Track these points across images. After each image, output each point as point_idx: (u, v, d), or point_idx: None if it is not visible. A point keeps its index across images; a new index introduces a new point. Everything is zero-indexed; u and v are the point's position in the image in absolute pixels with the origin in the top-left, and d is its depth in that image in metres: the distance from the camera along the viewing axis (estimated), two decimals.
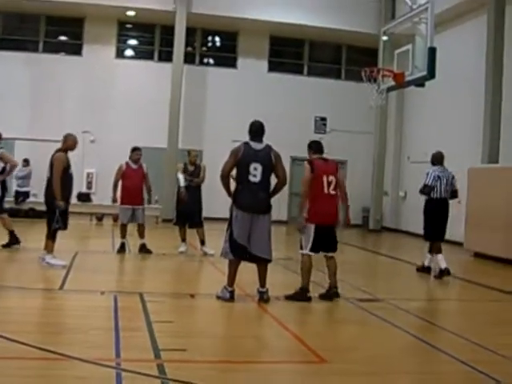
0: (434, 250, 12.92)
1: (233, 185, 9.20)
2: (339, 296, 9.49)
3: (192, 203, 14.02)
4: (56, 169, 11.02)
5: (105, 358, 5.91)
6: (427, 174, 13.03)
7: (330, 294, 9.53)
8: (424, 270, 13.15)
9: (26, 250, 11.82)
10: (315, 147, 9.90)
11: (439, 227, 13.08)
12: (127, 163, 14.08)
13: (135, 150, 14.25)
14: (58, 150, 11.32)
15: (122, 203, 13.95)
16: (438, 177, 12.87)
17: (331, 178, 9.53)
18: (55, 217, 11.07)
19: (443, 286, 12.28)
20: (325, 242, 9.46)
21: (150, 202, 14.59)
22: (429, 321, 8.45)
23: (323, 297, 9.56)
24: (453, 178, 13.12)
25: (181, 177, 14.01)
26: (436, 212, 13.06)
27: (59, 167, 11.04)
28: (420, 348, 7.09)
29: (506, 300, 10.84)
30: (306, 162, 9.69)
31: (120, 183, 14.04)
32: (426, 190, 12.97)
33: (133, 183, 13.92)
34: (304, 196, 9.52)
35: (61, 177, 11.03)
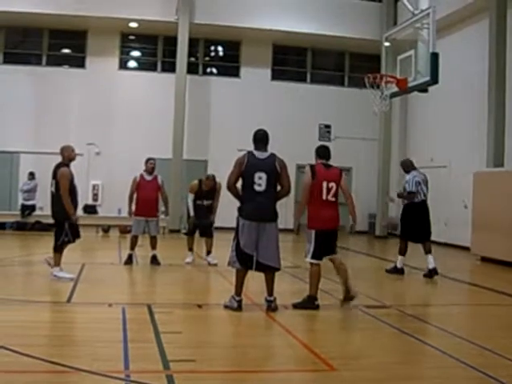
0: (425, 250, 13.52)
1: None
2: (353, 299, 9.49)
3: (204, 217, 14.10)
4: (63, 186, 11.03)
5: (114, 370, 5.91)
6: (408, 181, 13.72)
7: (349, 297, 9.53)
8: (396, 271, 13.72)
9: (33, 264, 11.83)
10: (321, 153, 9.92)
11: (425, 228, 13.80)
12: (141, 175, 14.06)
13: (149, 160, 14.20)
14: (60, 164, 11.34)
15: (135, 215, 13.94)
16: (419, 182, 13.65)
17: (331, 184, 9.52)
18: (64, 230, 11.10)
19: (450, 291, 12.27)
20: (327, 247, 9.48)
21: (167, 214, 14.62)
22: (437, 326, 8.43)
23: (345, 299, 9.56)
24: (427, 180, 13.99)
25: (190, 205, 14.10)
26: (420, 214, 13.71)
27: (66, 184, 11.06)
28: (429, 353, 7.08)
29: None
30: (307, 166, 9.70)
31: (135, 195, 14.03)
32: (410, 196, 13.59)
33: (147, 195, 13.88)
34: (302, 200, 9.56)
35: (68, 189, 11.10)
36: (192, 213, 14.06)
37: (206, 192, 13.98)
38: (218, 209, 14.25)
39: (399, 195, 14.16)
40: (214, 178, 14.16)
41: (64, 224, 11.10)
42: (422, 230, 13.66)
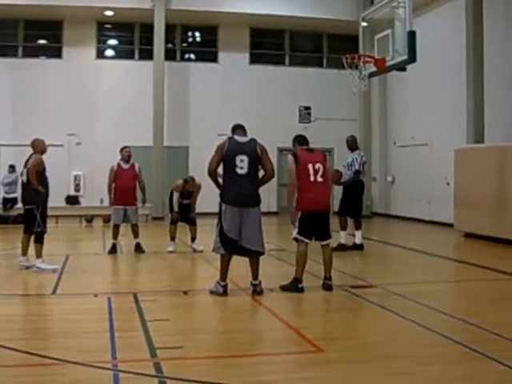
0: (357, 226, 14.29)
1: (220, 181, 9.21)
2: (331, 289, 9.45)
3: (184, 214, 14.12)
4: (31, 167, 11.09)
5: (101, 361, 5.90)
6: (355, 160, 14.25)
7: (323, 285, 9.53)
8: (342, 248, 13.93)
9: (17, 257, 11.76)
10: (299, 140, 9.97)
11: (361, 205, 14.93)
12: (118, 164, 14.04)
13: (124, 148, 14.20)
14: (32, 155, 11.39)
15: (114, 204, 13.92)
16: (364, 162, 14.36)
17: (318, 165, 9.52)
18: (36, 221, 11.08)
19: (435, 268, 12.33)
20: (316, 229, 9.45)
21: (144, 202, 14.39)
22: (422, 303, 8.46)
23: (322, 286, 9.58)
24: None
25: (175, 202, 14.05)
26: (362, 192, 14.58)
27: (35, 164, 11.16)
28: (416, 331, 7.11)
29: (500, 279, 10.89)
30: (289, 155, 9.69)
31: (113, 184, 13.98)
32: (357, 175, 14.18)
33: (124, 183, 13.86)
34: (290, 186, 9.54)
35: (36, 177, 11.09)
36: (176, 209, 14.04)
37: (187, 192, 13.97)
38: (195, 206, 14.36)
39: (344, 182, 14.37)
40: (193, 179, 14.10)
41: (35, 213, 11.09)
42: (360, 207, 14.69)
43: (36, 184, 11.10)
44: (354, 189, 14.17)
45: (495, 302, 8.90)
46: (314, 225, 9.43)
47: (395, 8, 15.62)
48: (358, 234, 14.19)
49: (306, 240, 9.40)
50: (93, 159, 23.36)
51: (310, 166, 9.49)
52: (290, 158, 9.59)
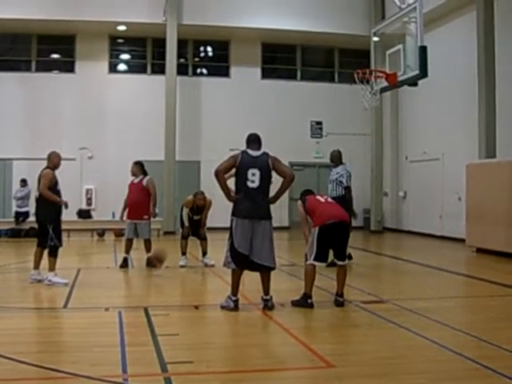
0: None
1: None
2: (343, 306, 9.42)
3: (195, 230, 14.18)
4: (42, 183, 11.17)
5: (112, 375, 5.91)
6: (342, 175, 13.84)
7: (335, 301, 9.50)
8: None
9: (29, 270, 11.79)
10: (308, 192, 10.23)
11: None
12: (132, 178, 14.10)
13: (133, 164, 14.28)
14: (46, 168, 11.42)
15: (127, 218, 13.98)
16: (350, 176, 13.89)
17: (326, 197, 10.01)
18: (49, 235, 11.12)
19: (447, 284, 12.29)
20: (334, 244, 9.39)
21: (154, 216, 14.21)
22: (434, 319, 8.43)
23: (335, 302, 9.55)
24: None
25: (185, 217, 14.07)
26: (352, 206, 13.78)
27: (45, 182, 11.18)
28: (427, 347, 7.07)
29: (511, 294, 10.84)
30: (299, 202, 9.94)
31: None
32: (348, 191, 13.74)
33: (132, 198, 13.88)
34: (303, 226, 9.87)
35: (49, 190, 11.16)
36: (187, 224, 14.06)
37: (197, 207, 13.97)
38: (206, 222, 14.37)
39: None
40: (203, 193, 14.09)
41: (48, 228, 11.14)
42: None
43: (52, 197, 11.15)
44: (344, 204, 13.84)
45: (507, 318, 8.85)
46: (332, 239, 9.35)
47: (406, 23, 15.62)
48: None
49: (322, 264, 9.39)
50: (105, 173, 23.47)
51: (319, 197, 9.85)
52: (299, 202, 9.87)
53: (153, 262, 13.04)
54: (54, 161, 11.57)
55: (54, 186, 11.30)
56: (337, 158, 14.38)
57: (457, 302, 10.52)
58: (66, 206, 11.49)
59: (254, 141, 9.30)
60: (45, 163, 11.62)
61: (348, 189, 13.77)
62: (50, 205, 11.18)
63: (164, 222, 22.38)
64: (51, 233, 11.15)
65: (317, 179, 24.59)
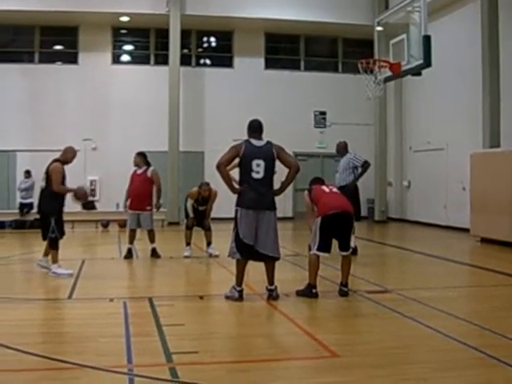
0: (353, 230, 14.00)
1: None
2: (347, 295, 9.41)
3: (200, 221, 14.17)
4: (55, 181, 11.08)
5: (117, 365, 5.93)
6: (350, 161, 14.20)
7: (339, 291, 9.49)
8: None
9: (33, 261, 11.83)
10: (316, 180, 10.28)
11: (359, 209, 14.33)
12: (135, 169, 14.10)
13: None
14: (55, 161, 11.38)
15: (129, 208, 13.98)
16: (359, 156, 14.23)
17: (331, 187, 9.98)
18: (51, 227, 11.12)
19: (451, 273, 12.29)
20: (337, 234, 9.36)
21: (157, 207, 14.16)
22: (438, 308, 8.43)
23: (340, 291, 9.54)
24: None
25: (190, 208, 14.06)
26: (358, 195, 14.19)
27: (57, 178, 11.12)
28: (432, 337, 7.08)
29: None
30: (305, 192, 9.98)
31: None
32: (367, 164, 14.15)
33: (135, 188, 13.88)
34: (307, 212, 9.88)
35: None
36: (192, 214, 14.06)
37: (202, 198, 13.95)
38: (211, 213, 14.34)
39: (348, 185, 13.90)
40: (208, 184, 14.06)
41: (50, 219, 11.14)
42: (359, 211, 14.07)
43: (62, 189, 11.16)
44: (354, 192, 13.76)
45: (511, 308, 8.86)
46: (335, 229, 9.32)
47: (410, 12, 15.60)
48: (352, 237, 13.84)
49: (325, 255, 9.38)
50: (108, 164, 23.47)
51: (325, 187, 9.81)
52: (306, 192, 9.93)
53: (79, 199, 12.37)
54: (67, 155, 11.52)
55: (62, 180, 11.29)
56: (343, 149, 14.50)
57: (461, 291, 10.51)
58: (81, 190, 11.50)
59: (256, 129, 9.24)
60: (49, 154, 11.59)
61: (366, 162, 14.03)
62: (54, 197, 11.17)
63: (168, 212, 22.41)
64: (53, 224, 11.14)
65: (321, 169, 24.53)
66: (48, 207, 11.20)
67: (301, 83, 25.68)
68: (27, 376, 5.71)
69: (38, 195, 11.67)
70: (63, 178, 11.30)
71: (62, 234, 11.42)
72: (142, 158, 14.07)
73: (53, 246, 11.24)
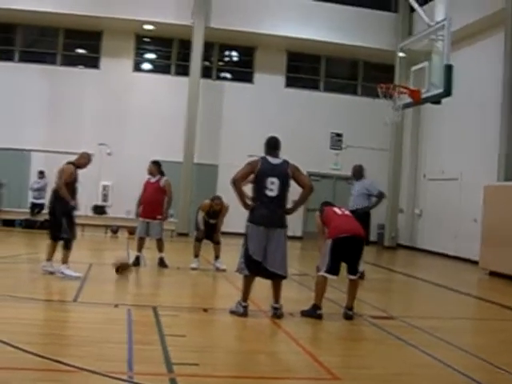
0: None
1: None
2: (352, 319, 9.38)
3: (210, 234, 14.14)
4: (60, 178, 11.19)
5: (117, 371, 5.90)
6: (367, 188, 14.09)
7: (344, 314, 9.45)
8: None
9: (41, 262, 11.84)
10: (328, 203, 10.26)
11: (368, 234, 14.09)
12: (149, 177, 14.11)
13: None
14: (69, 163, 11.45)
15: (140, 216, 13.99)
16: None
17: (343, 209, 9.96)
18: (62, 228, 11.15)
19: (457, 304, 12.23)
20: (348, 258, 9.35)
21: (165, 217, 14.16)
22: (443, 339, 8.38)
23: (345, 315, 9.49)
24: None
25: (200, 220, 14.02)
26: (369, 220, 14.08)
27: (65, 176, 11.22)
28: (434, 366, 7.03)
29: None
30: (317, 213, 10.06)
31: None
32: (382, 195, 14.17)
33: (147, 197, 13.89)
34: (318, 234, 9.87)
35: (66, 185, 11.18)
36: (202, 227, 14.04)
37: (213, 212, 13.94)
38: (221, 227, 14.30)
39: (364, 208, 13.89)
40: (220, 198, 14.06)
41: (61, 220, 11.17)
42: (368, 235, 13.78)
43: (66, 196, 11.18)
44: (365, 217, 13.54)
45: None
46: (345, 252, 9.30)
47: (434, 40, 15.63)
48: (361, 262, 13.81)
49: (334, 277, 9.33)
50: (122, 170, 23.51)
51: (337, 209, 9.78)
52: (317, 213, 9.99)
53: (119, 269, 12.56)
54: (81, 160, 11.63)
55: (72, 182, 11.33)
56: (358, 173, 14.40)
57: (466, 323, 10.47)
58: (75, 208, 11.52)
59: (273, 147, 9.22)
60: (64, 156, 11.65)
61: (382, 194, 14.05)
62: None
63: (178, 223, 22.43)
64: (64, 225, 11.18)
65: (333, 190, 24.55)
66: (60, 207, 11.23)
67: (319, 104, 25.73)
68: (25, 375, 5.70)
69: (50, 195, 11.72)
70: (74, 180, 11.34)
71: (74, 236, 11.45)
72: (157, 167, 14.09)
73: (67, 247, 11.29)
